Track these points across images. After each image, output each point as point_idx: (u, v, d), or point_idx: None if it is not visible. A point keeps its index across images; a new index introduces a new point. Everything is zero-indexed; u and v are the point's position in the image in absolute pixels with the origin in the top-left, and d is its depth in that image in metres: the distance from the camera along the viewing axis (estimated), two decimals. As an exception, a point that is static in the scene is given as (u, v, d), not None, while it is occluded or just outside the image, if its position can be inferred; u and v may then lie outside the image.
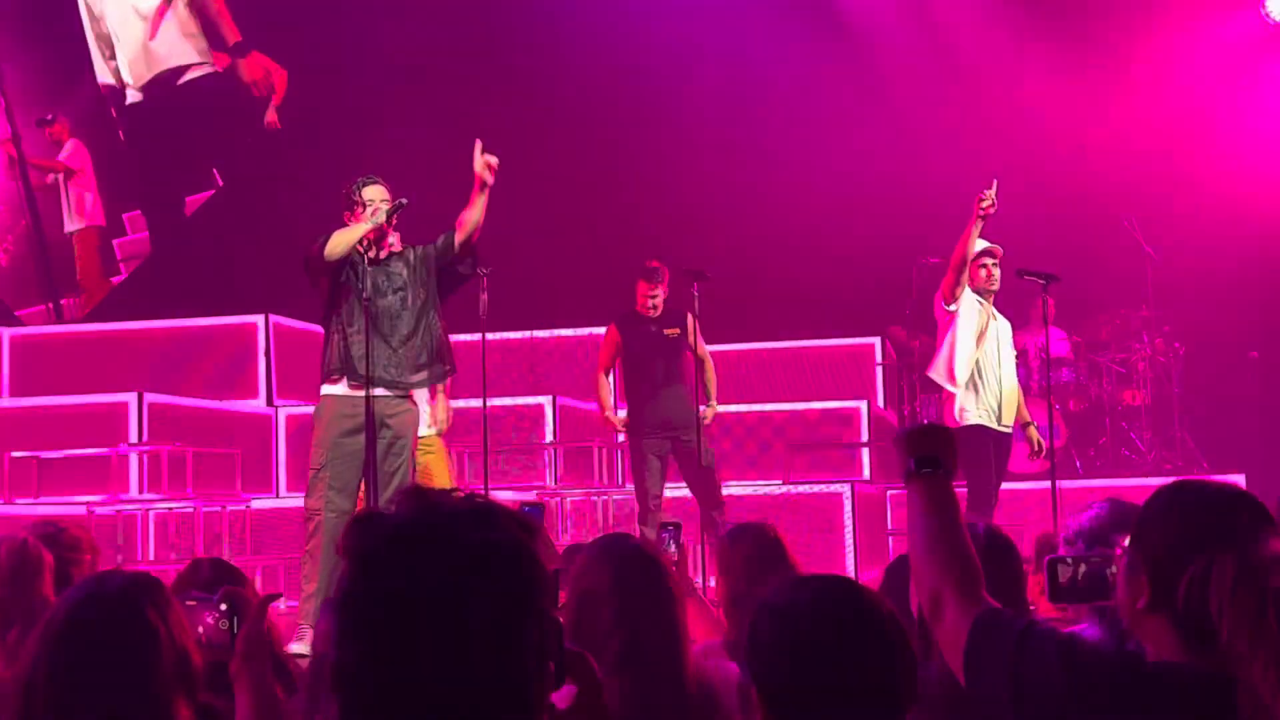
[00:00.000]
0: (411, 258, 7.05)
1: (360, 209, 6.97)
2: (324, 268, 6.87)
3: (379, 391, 6.86)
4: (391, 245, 7.05)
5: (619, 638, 3.00)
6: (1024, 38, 13.41)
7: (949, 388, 8.35)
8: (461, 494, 1.72)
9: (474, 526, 1.65)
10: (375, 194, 7.00)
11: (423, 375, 7.12)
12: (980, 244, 8.36)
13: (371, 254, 6.96)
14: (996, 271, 8.38)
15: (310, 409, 10.41)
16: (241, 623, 2.62)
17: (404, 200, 6.97)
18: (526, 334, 11.81)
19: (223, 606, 2.63)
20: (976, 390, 8.31)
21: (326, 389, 7.00)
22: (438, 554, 1.62)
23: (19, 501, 9.16)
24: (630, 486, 10.01)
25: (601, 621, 3.02)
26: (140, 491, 9.50)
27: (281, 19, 14.22)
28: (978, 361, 8.30)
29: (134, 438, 9.83)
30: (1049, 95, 13.19)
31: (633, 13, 14.09)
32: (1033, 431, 8.57)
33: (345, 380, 6.92)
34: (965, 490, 8.45)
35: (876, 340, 12.39)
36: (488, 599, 1.61)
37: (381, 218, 6.89)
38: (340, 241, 6.82)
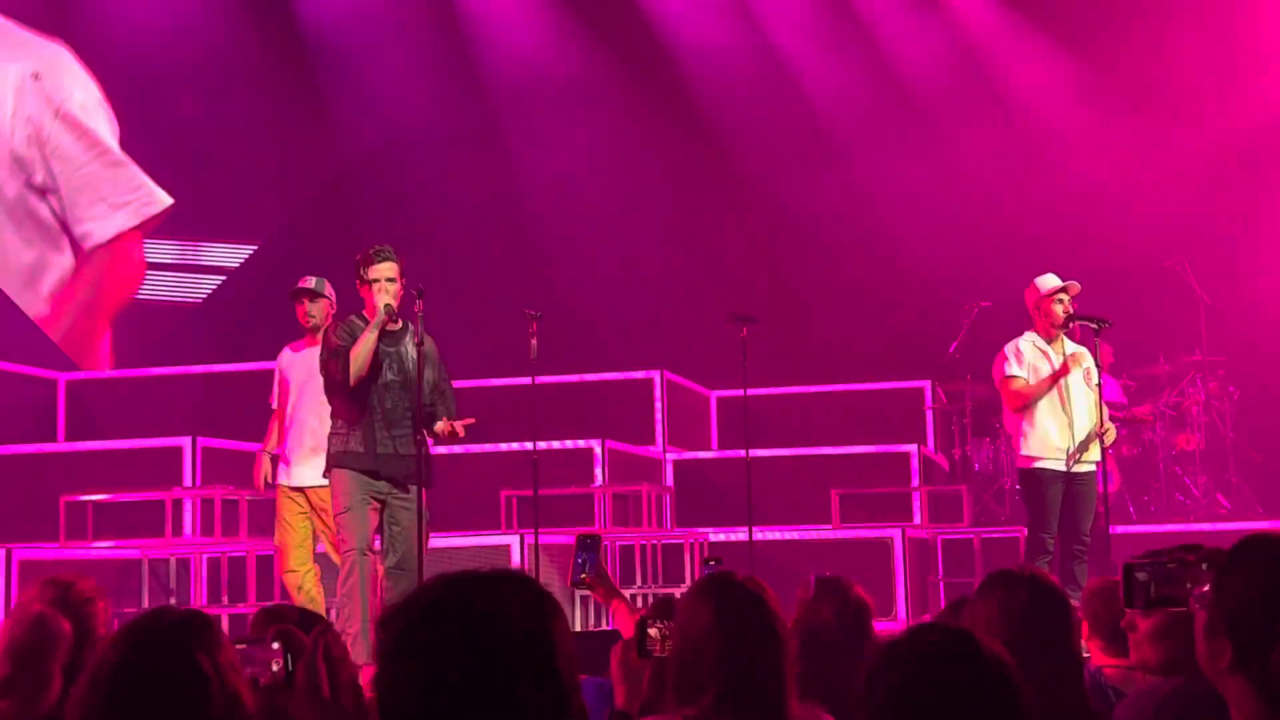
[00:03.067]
0: (429, 349, 7.33)
1: (367, 287, 7.27)
2: (353, 383, 7.21)
3: (387, 473, 7.25)
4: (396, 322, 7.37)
5: (720, 679, 2.94)
6: (1075, 80, 13.39)
7: (1027, 429, 8.33)
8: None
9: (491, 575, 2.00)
10: (382, 271, 7.27)
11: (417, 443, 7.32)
12: (1054, 280, 8.35)
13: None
14: (1070, 307, 8.36)
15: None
16: (296, 660, 2.60)
17: (390, 304, 7.22)
18: (577, 377, 11.83)
19: (275, 645, 2.61)
20: (1047, 430, 8.28)
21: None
22: (458, 594, 1.96)
23: (73, 545, 9.23)
24: (681, 531, 10.00)
25: (704, 663, 2.97)
26: (194, 535, 9.56)
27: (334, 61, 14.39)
28: (1046, 402, 8.30)
29: (188, 481, 9.91)
30: (1100, 138, 13.16)
31: (674, 53, 14.17)
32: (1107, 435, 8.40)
33: (348, 469, 7.25)
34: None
35: (927, 383, 12.35)
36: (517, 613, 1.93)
37: (383, 316, 7.20)
38: (359, 364, 7.17)
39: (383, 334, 7.25)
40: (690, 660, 3.01)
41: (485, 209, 14.24)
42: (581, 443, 10.59)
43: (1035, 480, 8.32)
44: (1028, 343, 8.41)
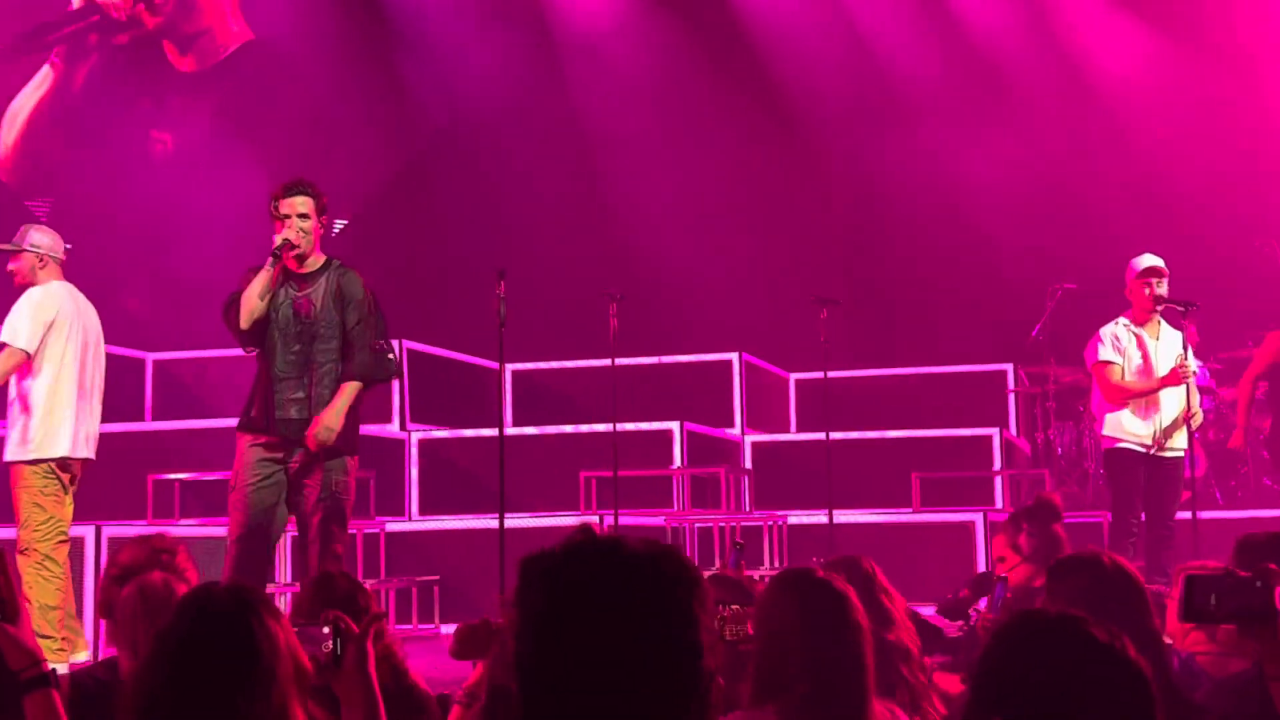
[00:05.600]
0: (348, 288, 6.55)
1: (278, 223, 6.52)
2: (249, 329, 6.56)
3: (288, 437, 6.55)
4: (306, 263, 6.58)
5: (808, 678, 2.92)
6: (1164, 56, 13.19)
7: (1112, 410, 8.24)
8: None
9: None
10: (292, 206, 6.49)
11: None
12: (1146, 261, 8.24)
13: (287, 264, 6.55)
14: (1160, 289, 8.24)
15: (443, 433, 10.57)
16: (345, 645, 2.66)
17: (288, 239, 6.44)
18: (656, 359, 11.85)
19: (325, 629, 2.67)
20: (1132, 412, 8.19)
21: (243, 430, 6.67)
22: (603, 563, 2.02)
23: (160, 523, 9.37)
24: (790, 513, 9.97)
25: (790, 662, 2.95)
26: (277, 513, 9.62)
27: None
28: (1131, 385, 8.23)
29: (271, 460, 9.98)
30: (1187, 116, 12.96)
31: (754, 33, 14.12)
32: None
33: (261, 432, 6.57)
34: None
35: (1009, 366, 12.24)
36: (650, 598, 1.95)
37: (277, 254, 6.46)
38: (247, 306, 6.48)
39: (292, 277, 6.53)
40: (773, 657, 2.98)
41: (566, 190, 14.27)
42: (660, 424, 10.61)
43: (1118, 461, 8.23)
44: (1121, 327, 8.30)
